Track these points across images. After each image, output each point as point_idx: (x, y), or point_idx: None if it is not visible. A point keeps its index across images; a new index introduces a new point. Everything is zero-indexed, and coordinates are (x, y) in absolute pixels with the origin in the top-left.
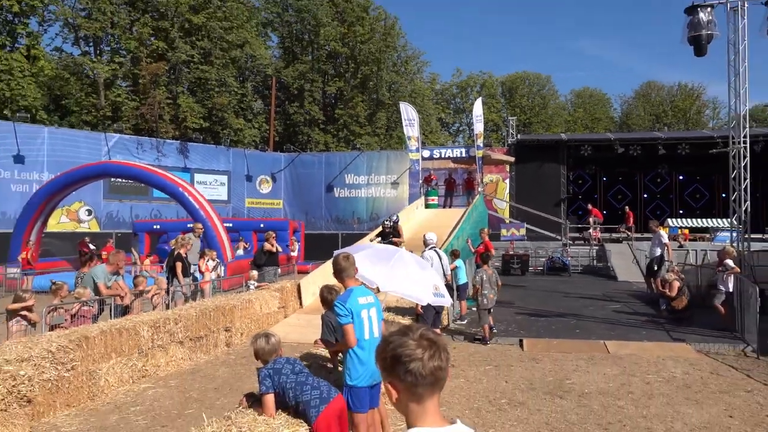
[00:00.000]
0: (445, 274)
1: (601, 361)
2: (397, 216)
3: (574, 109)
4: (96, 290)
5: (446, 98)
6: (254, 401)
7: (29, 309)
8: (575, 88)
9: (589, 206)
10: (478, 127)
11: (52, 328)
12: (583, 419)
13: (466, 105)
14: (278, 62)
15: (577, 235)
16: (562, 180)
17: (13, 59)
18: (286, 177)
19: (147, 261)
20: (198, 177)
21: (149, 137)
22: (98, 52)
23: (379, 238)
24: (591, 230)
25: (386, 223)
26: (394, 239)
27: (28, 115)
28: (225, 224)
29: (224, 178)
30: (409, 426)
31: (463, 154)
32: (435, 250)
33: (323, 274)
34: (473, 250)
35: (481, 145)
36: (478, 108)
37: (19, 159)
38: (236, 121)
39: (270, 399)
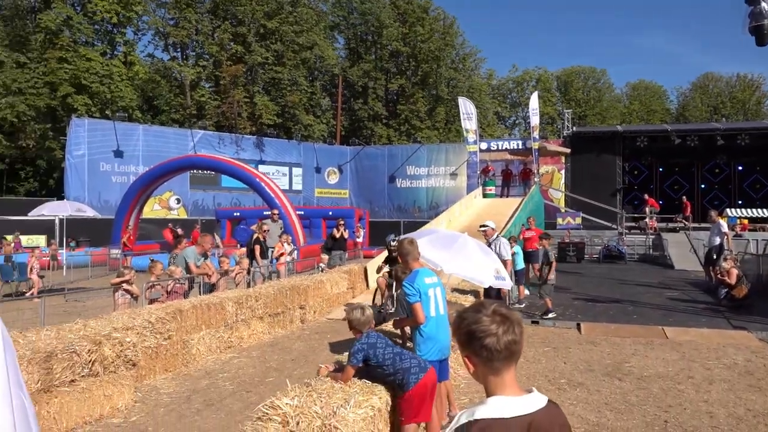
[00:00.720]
0: (505, 260)
1: (660, 347)
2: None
3: (629, 101)
4: (187, 269)
5: (503, 93)
6: (334, 370)
7: (130, 283)
8: (631, 81)
9: (646, 196)
10: (534, 120)
11: (150, 302)
12: (643, 401)
13: (521, 99)
14: (344, 62)
15: (633, 224)
16: (617, 171)
17: (113, 65)
18: (352, 168)
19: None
20: (272, 168)
21: (229, 133)
22: (184, 56)
23: (387, 266)
24: (647, 219)
25: (391, 243)
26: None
27: (126, 115)
28: (297, 212)
29: (296, 170)
30: (487, 395)
31: (520, 146)
32: (499, 237)
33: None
34: (520, 237)
35: (537, 137)
36: (534, 102)
37: (118, 154)
38: (306, 117)
39: (352, 371)
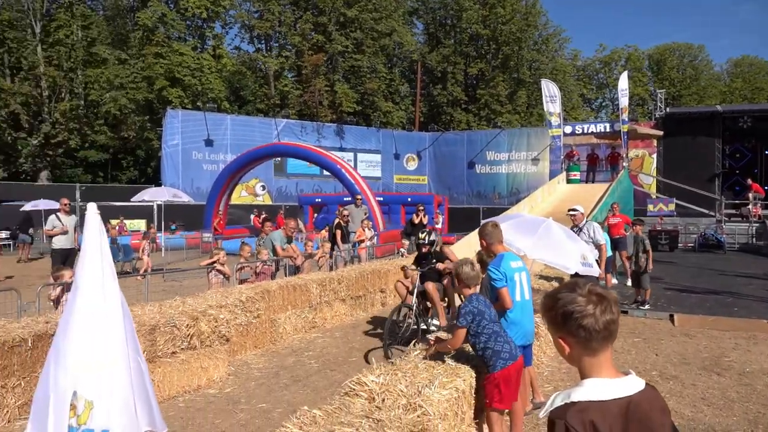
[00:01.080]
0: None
1: (765, 342)
2: (436, 235)
3: (730, 79)
4: (274, 251)
5: (588, 74)
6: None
7: (221, 263)
8: (733, 57)
9: (749, 181)
10: (623, 102)
11: (241, 282)
12: (745, 398)
13: (609, 80)
14: (423, 47)
15: (733, 211)
16: (716, 154)
17: (203, 58)
18: (431, 155)
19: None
20: (352, 155)
21: (311, 121)
22: (268, 48)
23: (417, 269)
24: (750, 206)
25: (422, 238)
26: (438, 264)
27: (216, 106)
28: (376, 198)
29: (375, 157)
30: (583, 377)
31: (607, 129)
32: (591, 222)
33: (467, 243)
34: (605, 224)
35: (627, 119)
36: (623, 82)
37: (209, 143)
38: (385, 104)
39: (462, 333)
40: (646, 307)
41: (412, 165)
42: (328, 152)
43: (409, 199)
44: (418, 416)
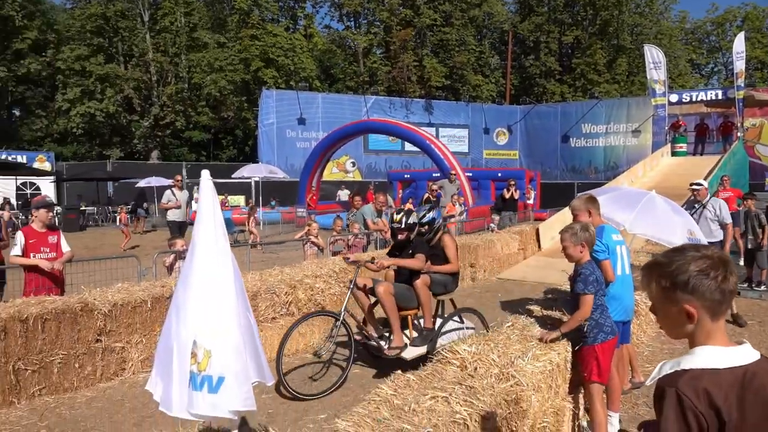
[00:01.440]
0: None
1: None
2: (434, 215)
3: None
4: (365, 225)
5: (698, 37)
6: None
7: (314, 236)
8: None
9: None
10: (739, 66)
11: (334, 254)
12: None
13: (722, 43)
14: (514, 17)
15: None
16: None
17: (295, 38)
18: (522, 129)
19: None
20: (441, 131)
21: (399, 97)
22: (357, 25)
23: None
24: None
25: (397, 220)
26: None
27: (307, 85)
28: (466, 174)
29: (464, 131)
30: (693, 346)
31: (719, 97)
32: (715, 198)
33: (561, 220)
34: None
35: (743, 84)
36: (739, 44)
37: (301, 121)
38: (475, 78)
39: (590, 300)
40: (762, 288)
41: (503, 139)
42: (419, 128)
43: (499, 174)
44: (511, 386)
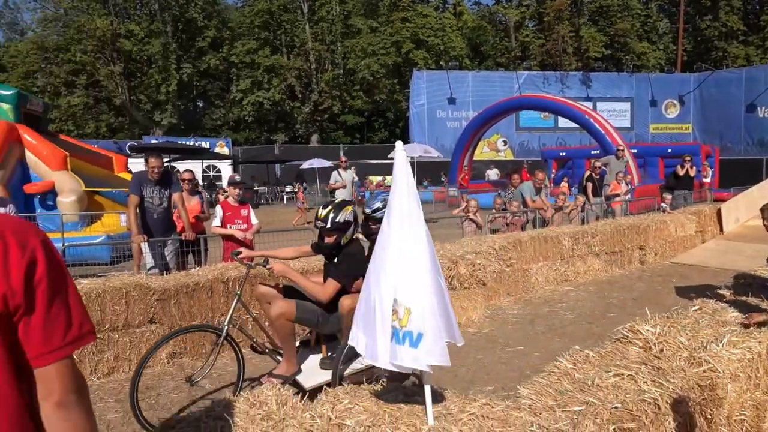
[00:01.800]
0: None
1: None
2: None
3: None
4: (524, 203)
5: None
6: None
7: (473, 212)
8: None
9: None
10: None
11: (492, 232)
12: None
13: None
14: None
15: None
16: None
17: (444, 18)
18: (696, 99)
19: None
20: (600, 105)
21: (553, 71)
22: None
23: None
24: None
25: (321, 217)
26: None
27: (457, 64)
28: (630, 150)
29: (626, 105)
30: None
31: None
32: None
33: (748, 201)
34: None
35: None
36: None
37: (451, 101)
38: (639, 45)
39: None
40: None
41: (673, 112)
42: (577, 103)
43: (669, 150)
44: (704, 371)
